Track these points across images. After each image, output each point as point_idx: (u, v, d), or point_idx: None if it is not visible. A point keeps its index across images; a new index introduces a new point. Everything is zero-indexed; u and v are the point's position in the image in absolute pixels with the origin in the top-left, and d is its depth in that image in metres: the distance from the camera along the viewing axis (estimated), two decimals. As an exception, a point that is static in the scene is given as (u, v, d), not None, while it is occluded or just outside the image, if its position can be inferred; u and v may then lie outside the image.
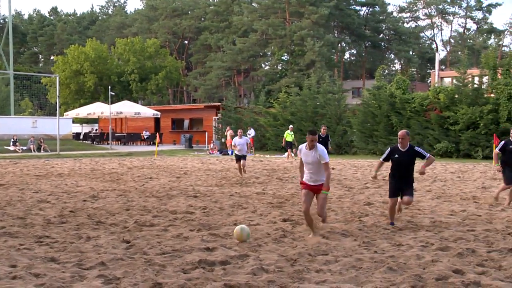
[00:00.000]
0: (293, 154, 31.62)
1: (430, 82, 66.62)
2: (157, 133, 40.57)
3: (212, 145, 39.63)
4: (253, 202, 12.87)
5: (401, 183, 9.75)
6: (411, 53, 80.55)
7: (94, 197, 13.58)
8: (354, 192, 14.84)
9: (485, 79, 33.93)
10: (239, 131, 20.20)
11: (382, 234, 9.16)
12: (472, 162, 29.05)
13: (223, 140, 41.88)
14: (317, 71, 52.40)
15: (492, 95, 32.88)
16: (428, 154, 9.71)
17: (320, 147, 8.90)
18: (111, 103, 43.82)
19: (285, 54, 66.63)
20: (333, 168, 21.37)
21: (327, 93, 39.59)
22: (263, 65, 71.30)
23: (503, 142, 12.74)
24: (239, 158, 18.93)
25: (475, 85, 33.83)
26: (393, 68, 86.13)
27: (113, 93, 47.47)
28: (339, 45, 76.46)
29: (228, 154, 35.80)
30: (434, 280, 6.29)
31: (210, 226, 9.70)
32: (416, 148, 9.74)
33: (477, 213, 11.23)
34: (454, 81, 35.66)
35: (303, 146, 9.02)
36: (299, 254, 7.56)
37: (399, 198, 9.92)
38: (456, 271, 6.68)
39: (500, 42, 76.18)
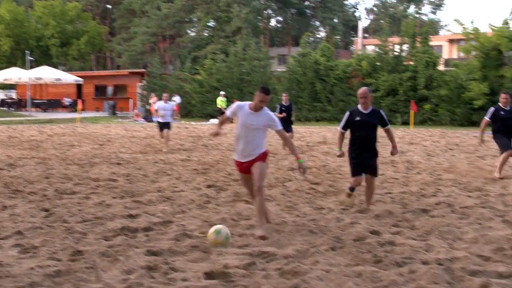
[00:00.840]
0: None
1: (353, 49, 67.75)
2: (79, 100, 39.48)
3: (136, 111, 39.05)
4: (178, 168, 12.81)
5: (364, 156, 8.25)
6: (335, 21, 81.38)
7: (11, 165, 13.12)
8: (279, 158, 15.02)
9: (405, 47, 34.88)
10: (164, 95, 17.99)
11: (304, 198, 9.34)
12: (391, 127, 29.91)
13: (147, 107, 41.32)
14: (243, 38, 52.17)
15: (411, 62, 33.92)
16: (389, 124, 8.52)
17: (269, 111, 7.07)
18: (30, 68, 42.21)
19: (211, 21, 65.88)
20: None
21: (253, 60, 39.65)
22: (189, 31, 70.27)
23: (492, 109, 11.46)
24: (162, 126, 17.18)
25: (396, 53, 34.75)
26: (318, 36, 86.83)
27: (32, 58, 45.77)
28: (265, 12, 76.33)
29: (152, 121, 35.37)
30: (352, 241, 6.48)
31: (134, 193, 9.59)
32: (381, 111, 8.47)
33: (395, 176, 11.63)
34: (376, 48, 36.51)
35: (245, 105, 7.02)
36: (223, 219, 7.60)
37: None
38: (373, 232, 6.91)
39: (419, 11, 78.26)
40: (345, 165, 13.57)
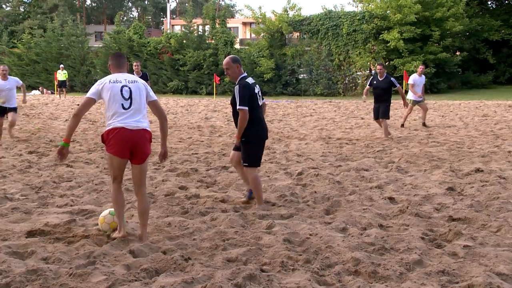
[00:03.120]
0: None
1: (163, 29, 66.91)
2: None
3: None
4: (-2, 137, 11.72)
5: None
6: (146, 2, 79.73)
7: None
8: (98, 125, 14.47)
9: (207, 27, 35.36)
10: (1, 67, 10.82)
11: (121, 160, 9.11)
12: (198, 97, 30.30)
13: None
14: (60, 15, 48.85)
15: (213, 41, 34.49)
16: (240, 105, 5.73)
17: None
18: None
19: (28, -3, 60.66)
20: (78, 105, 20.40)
21: (71, 36, 37.57)
22: (4, 6, 63.91)
23: (371, 77, 12.33)
24: (3, 111, 10.89)
25: (199, 33, 35.09)
26: (131, 15, 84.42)
27: None
28: (81, -9, 72.14)
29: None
30: (164, 196, 6.50)
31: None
32: (237, 87, 5.80)
33: (200, 139, 11.82)
34: (183, 28, 36.48)
35: None
36: (44, 182, 7.16)
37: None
38: (182, 187, 6.99)
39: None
40: (157, 130, 13.47)
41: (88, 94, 4.71)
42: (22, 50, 37.48)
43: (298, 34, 33.82)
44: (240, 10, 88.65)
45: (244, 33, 56.89)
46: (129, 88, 4.70)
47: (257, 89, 5.94)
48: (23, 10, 60.32)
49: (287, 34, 33.87)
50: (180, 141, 11.48)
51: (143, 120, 4.72)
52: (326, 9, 32.93)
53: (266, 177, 7.64)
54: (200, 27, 35.58)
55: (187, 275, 3.93)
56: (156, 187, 6.99)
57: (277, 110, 20.69)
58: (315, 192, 6.66)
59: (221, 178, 7.57)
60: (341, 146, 10.70)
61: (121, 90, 4.66)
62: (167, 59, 34.24)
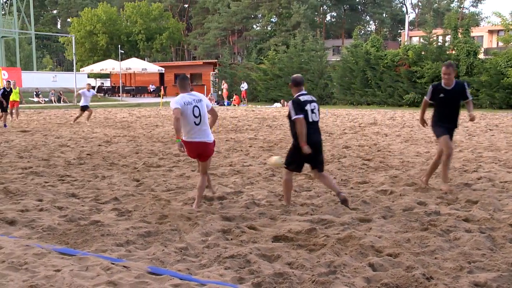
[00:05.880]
0: None
1: (400, 41, 65.86)
2: (162, 87, 40.18)
3: (210, 96, 39.42)
4: (246, 146, 12.84)
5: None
6: (384, 15, 79.46)
7: (107, 142, 13.52)
8: (334, 137, 14.84)
9: (447, 38, 33.69)
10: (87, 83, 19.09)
11: (357, 173, 9.20)
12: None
13: (219, 92, 41.68)
14: (302, 31, 51.53)
15: (453, 51, 32.72)
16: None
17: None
18: (121, 60, 43.23)
19: (274, 16, 65.49)
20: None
21: (311, 51, 39.25)
22: (254, 26, 70.14)
23: None
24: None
25: (439, 43, 33.62)
26: (369, 29, 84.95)
27: (123, 51, 46.79)
28: (321, 8, 75.24)
29: (224, 104, 35.68)
30: (402, 211, 6.35)
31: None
32: (290, 102, 6.42)
33: (439, 154, 11.25)
34: (421, 40, 35.40)
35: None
36: (286, 190, 7.57)
37: None
38: (420, 203, 6.74)
39: (461, 5, 75.15)
40: (393, 143, 13.29)
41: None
42: (268, 66, 40.46)
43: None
44: (487, 18, 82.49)
45: (489, 42, 52.90)
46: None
47: (310, 106, 6.33)
48: (270, 29, 65.40)
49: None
50: (417, 155, 11.14)
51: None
52: None
53: (516, 199, 6.92)
54: (440, 37, 34.06)
55: (429, 296, 3.75)
56: (393, 201, 6.86)
57: (528, 125, 18.65)
58: None
59: (463, 196, 7.09)
60: None
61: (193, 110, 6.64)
62: (403, 71, 33.58)
